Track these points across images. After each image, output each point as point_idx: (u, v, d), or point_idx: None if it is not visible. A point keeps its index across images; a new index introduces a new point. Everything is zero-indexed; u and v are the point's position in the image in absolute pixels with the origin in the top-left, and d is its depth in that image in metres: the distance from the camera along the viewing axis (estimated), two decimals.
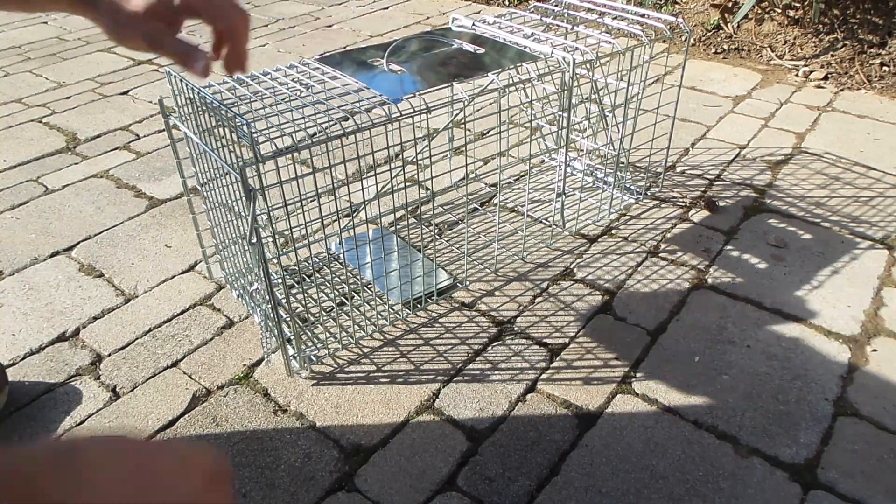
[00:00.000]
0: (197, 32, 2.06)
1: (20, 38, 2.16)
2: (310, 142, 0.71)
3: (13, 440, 0.77)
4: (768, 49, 1.86)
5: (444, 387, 0.83)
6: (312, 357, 0.87)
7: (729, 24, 1.97)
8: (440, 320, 0.94)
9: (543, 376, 0.85)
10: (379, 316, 0.93)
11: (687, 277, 1.01)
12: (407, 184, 1.22)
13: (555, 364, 0.86)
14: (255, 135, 0.67)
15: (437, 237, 1.11)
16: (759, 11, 1.95)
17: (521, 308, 0.96)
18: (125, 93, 1.70)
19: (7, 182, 1.31)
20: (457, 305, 0.96)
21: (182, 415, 0.80)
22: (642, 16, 1.05)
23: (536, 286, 1.00)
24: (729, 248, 1.07)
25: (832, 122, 1.47)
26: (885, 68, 1.69)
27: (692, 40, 1.95)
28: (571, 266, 1.04)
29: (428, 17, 2.24)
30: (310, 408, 0.81)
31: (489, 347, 0.89)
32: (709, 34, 1.98)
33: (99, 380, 0.86)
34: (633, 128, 1.06)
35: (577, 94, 1.05)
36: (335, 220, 1.06)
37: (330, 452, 0.75)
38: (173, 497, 0.36)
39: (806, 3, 1.87)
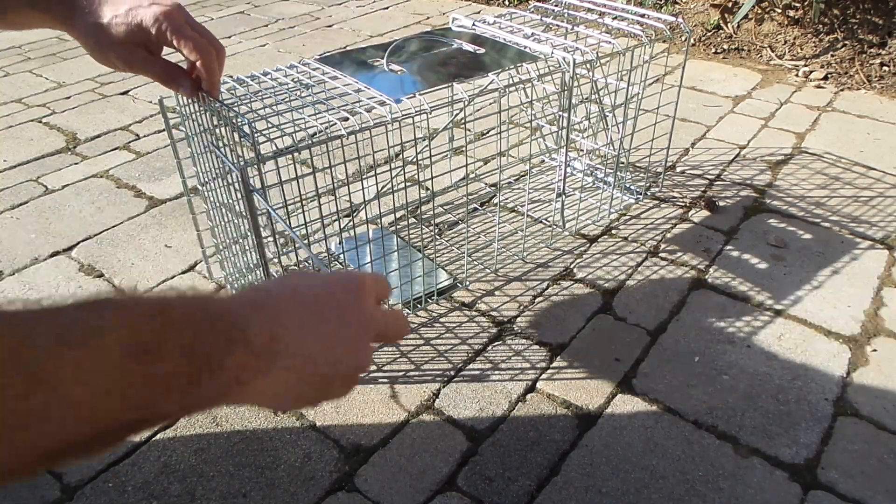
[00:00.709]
0: None
1: (20, 38, 2.16)
2: (310, 142, 0.71)
3: None
4: (768, 49, 1.86)
5: (444, 387, 0.83)
6: None
7: (729, 24, 1.97)
8: (440, 320, 0.94)
9: (543, 376, 0.85)
10: None
11: (687, 277, 1.01)
12: (407, 184, 1.22)
13: (555, 364, 0.86)
14: (255, 135, 0.67)
15: (437, 237, 1.11)
16: (759, 11, 1.95)
17: (521, 308, 0.96)
18: (125, 93, 1.70)
19: (7, 182, 1.31)
20: (457, 305, 0.96)
21: None
22: (642, 16, 1.05)
23: (536, 286, 1.00)
24: (729, 248, 1.07)
25: (832, 122, 1.47)
26: (885, 68, 1.69)
27: (692, 40, 1.95)
28: (571, 266, 1.04)
29: (428, 17, 2.24)
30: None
31: (489, 347, 0.89)
32: (709, 34, 1.98)
33: None
34: (633, 128, 1.06)
35: (577, 94, 1.05)
36: (335, 220, 1.06)
37: (330, 452, 0.75)
38: (352, 316, 0.42)
39: (806, 3, 1.87)
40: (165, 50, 0.67)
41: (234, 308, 0.37)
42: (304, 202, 0.76)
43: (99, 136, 1.49)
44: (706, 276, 1.01)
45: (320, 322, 0.40)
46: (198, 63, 0.67)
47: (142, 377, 0.31)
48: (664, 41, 1.04)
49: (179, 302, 0.34)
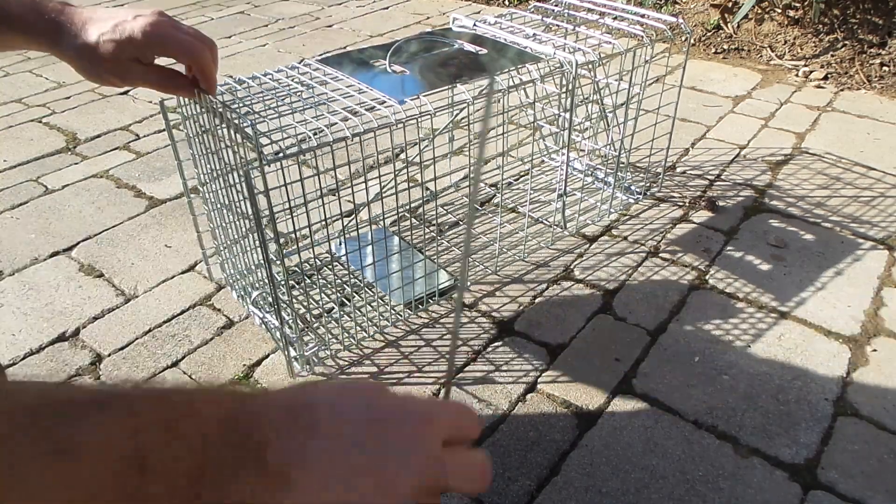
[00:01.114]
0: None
1: None
2: (314, 143, 0.71)
3: None
4: (768, 49, 1.86)
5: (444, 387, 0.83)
6: (314, 358, 0.87)
7: (729, 24, 1.97)
8: (441, 321, 0.94)
9: (543, 376, 0.85)
10: (380, 317, 0.93)
11: (687, 277, 1.01)
12: (410, 184, 1.22)
13: (555, 364, 0.86)
14: (258, 136, 0.67)
15: (438, 238, 1.11)
16: (759, 11, 1.95)
17: (522, 308, 0.96)
18: (125, 93, 1.70)
19: (7, 182, 1.31)
20: None
21: None
22: (642, 16, 1.05)
23: (537, 286, 1.00)
24: (729, 248, 1.07)
25: (832, 122, 1.47)
26: (885, 68, 1.69)
27: (692, 40, 1.95)
28: (571, 266, 1.04)
29: (428, 17, 2.24)
30: None
31: (489, 347, 0.89)
32: (709, 34, 1.98)
33: (99, 380, 0.86)
34: (634, 128, 1.06)
35: (578, 95, 1.05)
36: (336, 221, 1.06)
37: None
38: (401, 465, 0.34)
39: (806, 3, 1.87)
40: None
41: (264, 412, 0.33)
42: (306, 203, 0.76)
43: (99, 136, 1.49)
44: (706, 277, 1.01)
45: (355, 457, 0.33)
46: (193, 63, 0.67)
47: (133, 492, 0.28)
48: (664, 41, 1.04)
49: (203, 404, 0.32)
